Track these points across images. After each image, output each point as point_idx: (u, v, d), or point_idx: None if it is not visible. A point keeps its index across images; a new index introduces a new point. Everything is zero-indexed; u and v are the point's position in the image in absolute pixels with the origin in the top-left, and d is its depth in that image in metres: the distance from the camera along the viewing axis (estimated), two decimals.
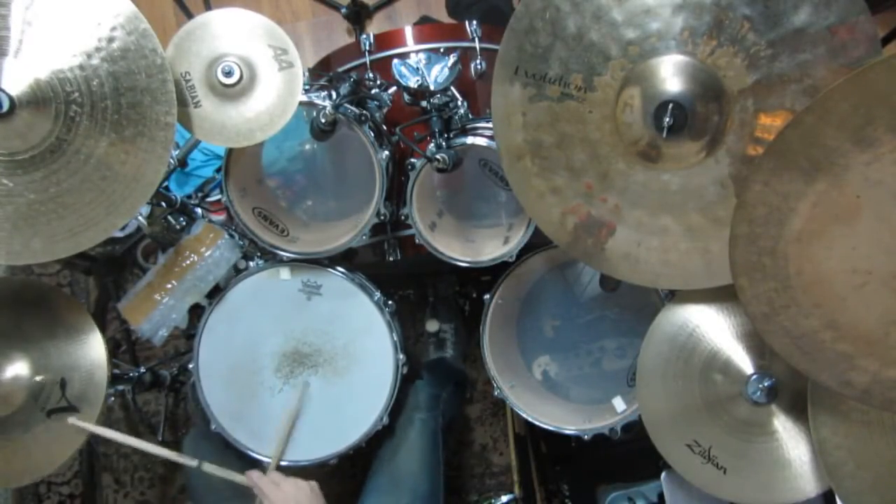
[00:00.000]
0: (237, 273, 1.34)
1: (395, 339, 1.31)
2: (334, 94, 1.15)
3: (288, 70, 1.07)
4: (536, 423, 1.30)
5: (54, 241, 0.98)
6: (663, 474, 1.28)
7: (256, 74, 1.06)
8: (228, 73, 1.04)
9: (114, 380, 1.50)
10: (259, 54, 1.06)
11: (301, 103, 1.09)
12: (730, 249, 0.84)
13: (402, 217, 1.23)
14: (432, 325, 1.73)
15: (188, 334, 1.39)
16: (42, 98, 0.92)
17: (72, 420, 1.21)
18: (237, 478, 1.22)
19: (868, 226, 0.77)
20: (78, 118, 0.94)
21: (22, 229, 0.97)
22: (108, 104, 0.95)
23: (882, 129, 0.72)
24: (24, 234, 0.97)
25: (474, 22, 1.36)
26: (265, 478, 1.20)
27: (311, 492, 1.19)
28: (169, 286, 1.33)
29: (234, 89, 1.05)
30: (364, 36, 1.35)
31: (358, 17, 2.05)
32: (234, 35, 1.06)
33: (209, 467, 1.22)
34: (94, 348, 1.22)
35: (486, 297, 1.33)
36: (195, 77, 1.05)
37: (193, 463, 1.22)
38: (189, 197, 1.76)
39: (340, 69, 1.39)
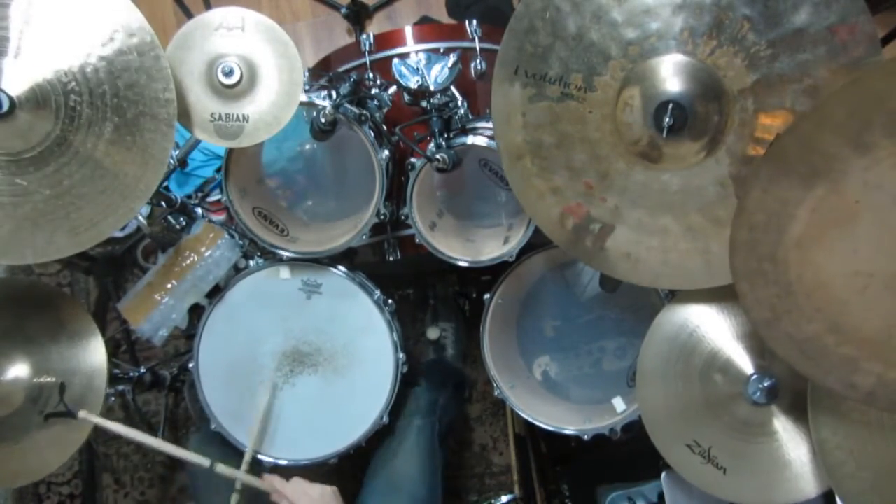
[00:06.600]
0: (237, 273, 1.34)
1: (395, 338, 1.31)
2: (334, 94, 1.15)
3: (288, 70, 1.07)
4: (536, 423, 1.30)
5: (77, 233, 0.98)
6: (663, 474, 1.28)
7: (257, 74, 1.06)
8: (228, 73, 1.04)
9: (114, 380, 1.51)
10: (259, 54, 1.06)
11: (301, 103, 1.10)
12: (730, 256, 0.84)
13: (402, 217, 1.23)
14: (433, 333, 1.72)
15: (188, 334, 1.39)
16: (41, 94, 0.92)
17: (83, 414, 1.18)
18: (254, 482, 1.19)
19: (868, 229, 0.77)
20: (79, 107, 0.94)
21: (43, 226, 0.97)
22: (105, 89, 0.94)
23: (879, 134, 0.72)
24: (45, 231, 0.97)
25: (474, 22, 1.36)
26: (290, 485, 1.18)
27: (335, 497, 1.19)
28: (169, 286, 1.33)
29: (235, 89, 1.05)
30: (364, 36, 1.35)
31: (358, 17, 2.04)
32: (234, 35, 1.06)
33: (222, 468, 1.18)
34: (94, 352, 1.22)
35: (486, 297, 1.33)
36: (195, 77, 1.05)
37: (206, 463, 1.17)
38: (189, 197, 1.77)
39: (340, 69, 1.39)
